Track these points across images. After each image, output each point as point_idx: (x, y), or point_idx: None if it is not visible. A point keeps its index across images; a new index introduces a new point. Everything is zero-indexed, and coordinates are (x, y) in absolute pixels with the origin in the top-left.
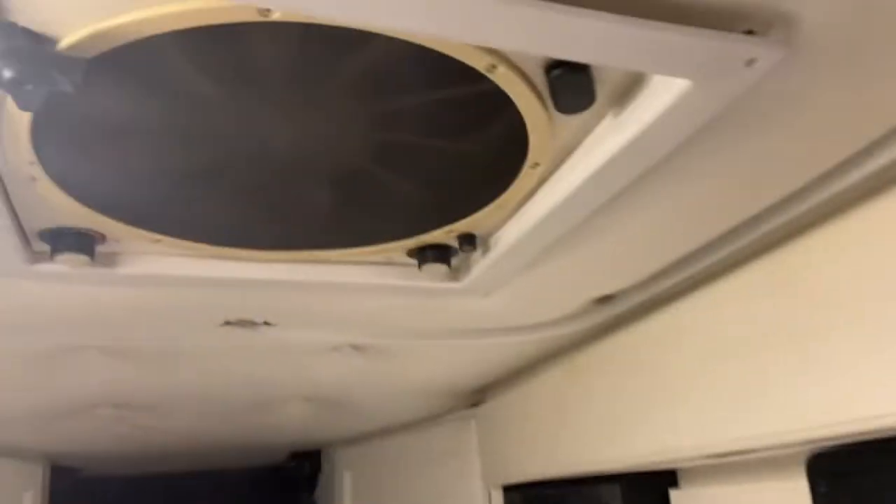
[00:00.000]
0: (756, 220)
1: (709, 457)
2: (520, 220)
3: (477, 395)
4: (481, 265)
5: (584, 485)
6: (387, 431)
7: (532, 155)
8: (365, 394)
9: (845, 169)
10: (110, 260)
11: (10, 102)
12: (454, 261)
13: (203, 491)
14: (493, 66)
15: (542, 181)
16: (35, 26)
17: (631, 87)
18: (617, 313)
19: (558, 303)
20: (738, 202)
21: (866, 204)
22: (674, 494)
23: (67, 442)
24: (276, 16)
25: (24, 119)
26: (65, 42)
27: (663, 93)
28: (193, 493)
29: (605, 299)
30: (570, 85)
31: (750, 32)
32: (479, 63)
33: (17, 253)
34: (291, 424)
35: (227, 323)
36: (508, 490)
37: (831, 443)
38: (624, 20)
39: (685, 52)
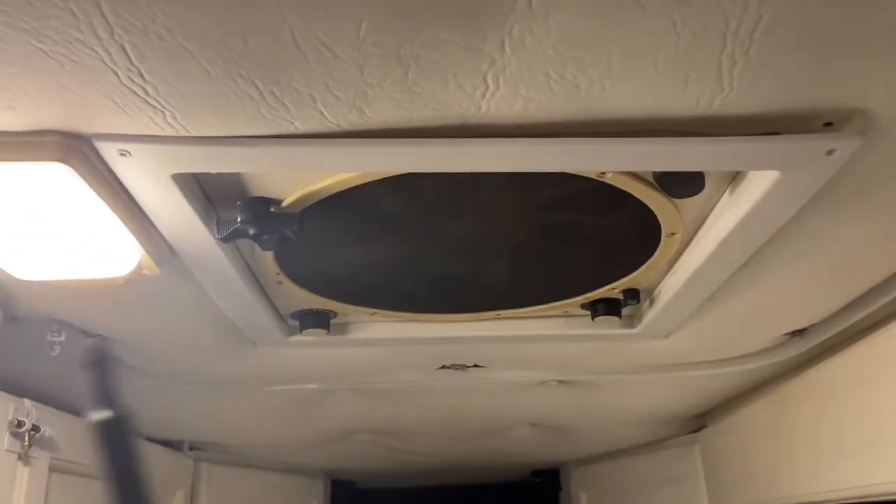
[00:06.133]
0: None
1: None
2: (675, 276)
3: (698, 421)
4: (651, 314)
5: None
6: (616, 454)
7: (665, 227)
8: (583, 421)
9: None
10: (342, 329)
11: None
12: (625, 311)
13: (460, 502)
14: (603, 174)
15: (686, 244)
16: (266, 194)
17: (737, 172)
18: (815, 345)
19: (747, 339)
20: (892, 249)
21: None
22: None
23: (341, 461)
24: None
25: (269, 253)
26: (286, 202)
27: (760, 180)
28: (452, 503)
29: (797, 333)
30: (677, 180)
31: (829, 125)
32: (590, 173)
33: (278, 330)
34: (522, 447)
35: (443, 367)
36: None
37: None
38: (708, 140)
39: (764, 154)
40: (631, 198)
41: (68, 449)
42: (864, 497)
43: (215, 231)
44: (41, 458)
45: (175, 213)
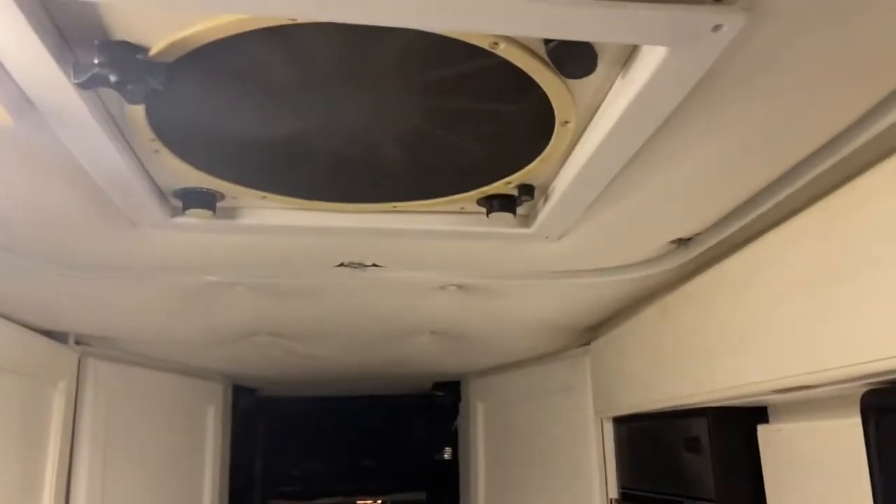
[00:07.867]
0: (800, 167)
1: (775, 392)
2: (567, 169)
3: (590, 334)
4: (545, 211)
5: (679, 418)
6: (512, 366)
7: (559, 114)
8: (481, 330)
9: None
10: (230, 213)
11: None
12: (520, 210)
13: (363, 412)
14: (496, 44)
15: (578, 135)
16: (131, 40)
17: (629, 53)
18: (698, 255)
19: (635, 245)
20: (773, 152)
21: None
22: (761, 429)
23: (241, 364)
24: (301, 20)
25: (139, 109)
26: (153, 50)
27: (651, 58)
28: (355, 413)
29: (682, 242)
30: (570, 54)
31: (718, 1)
32: (482, 42)
33: (159, 208)
34: (424, 355)
35: (342, 265)
36: (618, 421)
37: (886, 378)
38: (597, 4)
39: (653, 24)
40: (527, 85)
41: None
42: (733, 398)
43: (72, 74)
44: None
45: (23, 49)
